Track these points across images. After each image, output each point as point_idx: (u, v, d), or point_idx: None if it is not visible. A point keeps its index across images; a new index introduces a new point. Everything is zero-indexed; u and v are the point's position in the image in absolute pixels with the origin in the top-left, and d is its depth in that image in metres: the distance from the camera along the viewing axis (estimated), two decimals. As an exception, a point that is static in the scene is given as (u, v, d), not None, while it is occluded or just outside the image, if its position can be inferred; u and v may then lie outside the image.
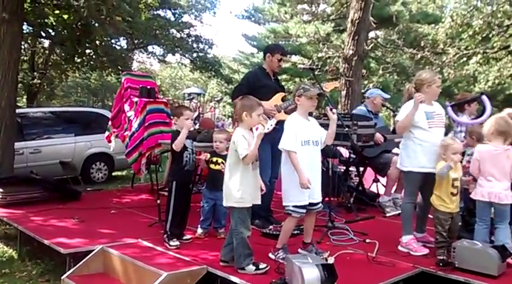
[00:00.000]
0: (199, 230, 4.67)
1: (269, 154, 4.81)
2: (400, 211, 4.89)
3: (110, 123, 7.43)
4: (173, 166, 4.46)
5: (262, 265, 3.63)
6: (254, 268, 3.61)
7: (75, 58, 15.90)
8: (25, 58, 16.59)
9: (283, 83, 5.72)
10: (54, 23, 13.47)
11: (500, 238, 4.02)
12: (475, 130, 4.71)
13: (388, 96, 6.61)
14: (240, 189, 3.68)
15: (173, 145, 4.26)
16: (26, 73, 16.52)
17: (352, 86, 11.14)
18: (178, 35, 19.17)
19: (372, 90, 6.76)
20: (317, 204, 3.97)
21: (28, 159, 8.51)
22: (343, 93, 11.26)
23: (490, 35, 16.82)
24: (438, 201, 4.05)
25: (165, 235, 4.32)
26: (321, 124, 4.20)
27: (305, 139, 3.89)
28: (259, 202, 3.82)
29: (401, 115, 4.27)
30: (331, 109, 4.01)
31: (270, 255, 3.95)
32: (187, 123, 4.29)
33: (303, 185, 3.72)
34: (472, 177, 4.15)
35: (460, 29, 16.78)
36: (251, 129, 3.76)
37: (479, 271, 3.61)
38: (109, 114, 8.11)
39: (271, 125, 4.84)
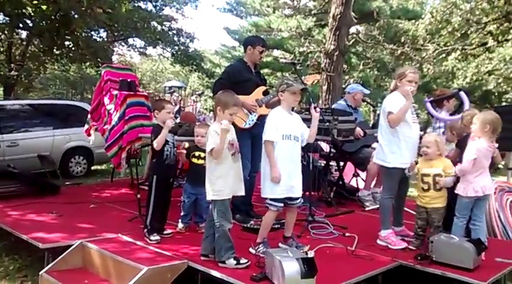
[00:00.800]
0: (180, 225, 4.66)
1: (249, 149, 4.82)
2: (378, 205, 4.95)
3: (89, 116, 7.35)
4: (154, 161, 4.43)
5: (243, 260, 3.65)
6: (235, 262, 3.62)
7: (54, 50, 15.61)
8: (2, 49, 16.26)
9: (265, 77, 5.70)
10: (32, 14, 13.20)
11: (482, 237, 4.08)
12: (455, 126, 4.76)
13: (368, 92, 6.67)
14: (218, 181, 3.71)
15: (154, 144, 4.22)
16: (3, 65, 16.19)
17: (333, 81, 11.21)
18: (159, 28, 18.95)
19: (353, 86, 6.81)
20: (296, 198, 4.00)
21: (5, 153, 8.35)
22: (324, 88, 11.32)
23: (469, 32, 17.09)
24: (418, 195, 4.23)
25: (145, 230, 4.30)
26: (303, 119, 4.22)
27: (286, 134, 3.92)
28: (242, 193, 3.85)
29: (393, 106, 4.25)
30: (314, 108, 4.03)
31: (251, 249, 3.96)
32: (168, 123, 4.24)
33: (273, 178, 3.78)
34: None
35: (440, 26, 17.00)
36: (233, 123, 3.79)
37: (456, 264, 3.68)
38: (88, 107, 8.02)
39: (253, 120, 4.88)
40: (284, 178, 3.85)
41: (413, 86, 4.29)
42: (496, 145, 4.07)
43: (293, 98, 3.98)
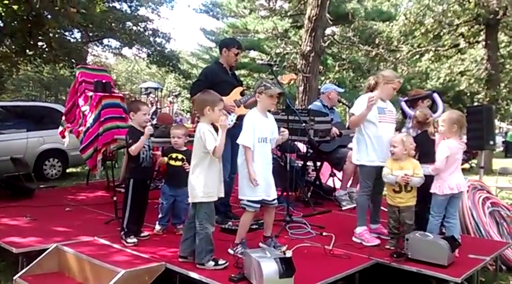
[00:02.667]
0: (158, 227, 4.62)
1: (229, 150, 4.82)
2: (355, 205, 5.02)
3: (63, 118, 7.26)
4: (130, 163, 4.39)
5: (221, 261, 3.65)
6: (213, 263, 3.62)
7: (27, 50, 15.29)
8: (-28, 50, 15.86)
9: (242, 78, 5.72)
10: (2, 14, 12.93)
11: (455, 235, 4.18)
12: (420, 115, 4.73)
13: (342, 90, 6.73)
14: (207, 183, 3.69)
15: (129, 150, 4.17)
16: (-27, 66, 15.82)
17: (309, 82, 11.28)
18: (134, 28, 18.79)
19: (327, 85, 6.88)
20: (273, 200, 4.04)
21: (-23, 156, 8.18)
22: (301, 89, 11.39)
23: (441, 34, 17.45)
24: (388, 195, 4.31)
25: (122, 232, 4.25)
26: (278, 120, 4.26)
27: (262, 137, 3.96)
28: (222, 195, 3.86)
29: (356, 109, 4.39)
30: (282, 131, 4.11)
31: (229, 250, 3.97)
32: (147, 132, 4.17)
33: (252, 181, 3.81)
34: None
35: (413, 27, 17.31)
36: (213, 124, 3.77)
37: (431, 261, 3.76)
38: (62, 109, 7.91)
39: (232, 120, 4.88)
40: (261, 180, 3.88)
41: (394, 93, 4.51)
42: (465, 140, 4.24)
43: (270, 101, 4.01)
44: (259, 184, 3.85)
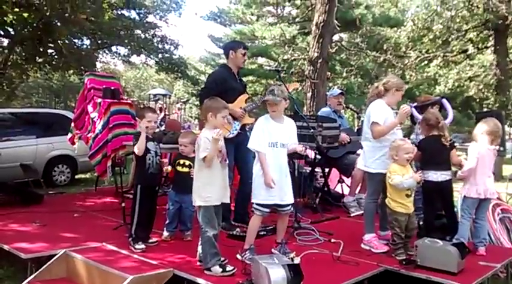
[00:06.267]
0: (165, 233, 4.63)
1: (232, 158, 4.82)
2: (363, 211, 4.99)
3: (72, 124, 7.28)
4: (137, 170, 4.42)
5: (229, 268, 3.64)
6: (221, 270, 3.61)
7: (36, 58, 15.47)
8: (-17, 58, 16.03)
9: (249, 84, 5.71)
10: (13, 22, 13.07)
11: (482, 234, 4.36)
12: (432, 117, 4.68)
13: (337, 92, 6.69)
14: (206, 188, 3.73)
15: (134, 149, 4.21)
16: (-15, 73, 15.96)
17: (317, 88, 11.26)
18: (143, 36, 18.92)
19: (333, 90, 6.92)
20: (286, 205, 4.03)
21: (-13, 162, 8.23)
22: (309, 95, 11.38)
23: (450, 39, 17.37)
24: (395, 203, 4.14)
25: (130, 238, 4.26)
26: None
27: (273, 141, 3.97)
28: (228, 201, 3.87)
29: (378, 117, 4.30)
30: (304, 147, 4.10)
31: (238, 256, 3.96)
32: (142, 125, 4.24)
33: (267, 185, 3.84)
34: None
35: (421, 33, 17.25)
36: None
37: (440, 268, 3.73)
38: (72, 116, 7.94)
39: (236, 129, 4.88)
40: (273, 184, 3.88)
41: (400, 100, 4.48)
42: (497, 147, 4.38)
43: (269, 108, 4.05)
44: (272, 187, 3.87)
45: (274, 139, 3.97)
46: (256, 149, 3.95)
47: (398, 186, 4.06)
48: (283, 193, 3.99)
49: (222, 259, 3.72)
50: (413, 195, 4.18)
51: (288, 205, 4.04)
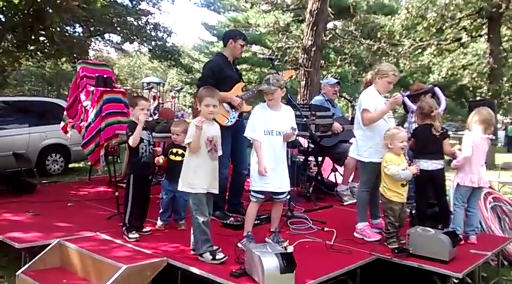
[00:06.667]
0: (159, 222, 4.63)
1: (229, 147, 4.83)
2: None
3: (65, 113, 7.26)
4: (130, 159, 4.41)
5: (219, 256, 3.65)
6: (211, 257, 3.63)
7: (28, 45, 15.30)
8: (-27, 45, 15.85)
9: (243, 73, 5.69)
10: (4, 9, 12.91)
11: (474, 223, 4.42)
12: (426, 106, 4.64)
13: (334, 82, 6.67)
14: (190, 174, 3.76)
15: (129, 141, 4.20)
16: (-25, 61, 15.82)
17: (311, 76, 11.26)
18: (135, 23, 18.73)
19: (324, 80, 6.92)
20: (281, 193, 4.07)
21: (-21, 151, 8.19)
22: (302, 83, 11.37)
23: (444, 27, 17.37)
24: (390, 192, 4.14)
25: (124, 228, 4.26)
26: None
27: (268, 129, 3.99)
28: (216, 191, 3.86)
29: (369, 105, 4.32)
30: (293, 129, 4.06)
31: (239, 244, 3.99)
32: (141, 118, 4.22)
33: (259, 172, 3.90)
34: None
35: (415, 21, 17.24)
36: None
37: (432, 257, 3.76)
38: (64, 104, 7.91)
39: (234, 117, 4.89)
40: (268, 172, 3.93)
41: (391, 87, 4.45)
42: (492, 136, 4.43)
43: (266, 97, 4.07)
44: (268, 175, 3.92)
45: (270, 127, 3.99)
46: (251, 137, 4.00)
47: (395, 176, 4.06)
48: (279, 181, 4.02)
49: (216, 247, 3.72)
50: (408, 185, 4.20)
51: (284, 193, 4.08)
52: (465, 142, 4.38)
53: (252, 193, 4.05)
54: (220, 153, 3.93)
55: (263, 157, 3.94)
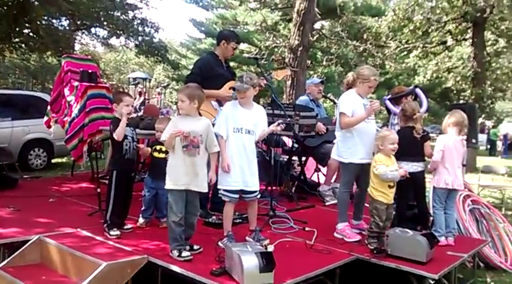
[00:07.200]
0: (141, 220, 4.63)
1: None
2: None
3: (49, 107, 7.20)
4: (113, 155, 4.40)
5: (184, 253, 3.68)
6: (177, 254, 3.67)
7: (12, 37, 15.11)
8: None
9: (234, 71, 5.67)
10: (-13, 0, 12.75)
11: (450, 224, 4.48)
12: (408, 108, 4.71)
13: (318, 81, 6.75)
14: (169, 171, 3.80)
15: (114, 135, 4.19)
16: (-43, 53, 15.58)
17: (297, 76, 11.26)
18: (122, 18, 18.59)
19: (308, 80, 6.99)
20: (252, 192, 4.09)
21: (-40, 144, 8.09)
22: (288, 83, 11.37)
23: (429, 30, 17.55)
24: (377, 192, 4.18)
25: (105, 225, 4.25)
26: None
27: (237, 127, 4.04)
28: (196, 189, 3.81)
29: (346, 108, 4.38)
30: (279, 124, 4.13)
31: (219, 243, 4.00)
32: (124, 111, 4.23)
33: (222, 168, 3.96)
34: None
35: (402, 23, 17.39)
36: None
37: (410, 258, 3.82)
38: (49, 98, 7.84)
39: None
40: (236, 170, 3.98)
41: (371, 91, 4.58)
42: (463, 137, 4.52)
43: (238, 96, 4.12)
44: (233, 172, 3.96)
45: (239, 124, 4.03)
46: (217, 132, 3.99)
47: (382, 176, 4.10)
48: (247, 180, 4.04)
49: (197, 247, 3.74)
50: (395, 187, 4.24)
51: (253, 191, 4.10)
52: (436, 146, 4.49)
53: (223, 192, 4.04)
54: (216, 149, 3.90)
55: (230, 154, 3.98)
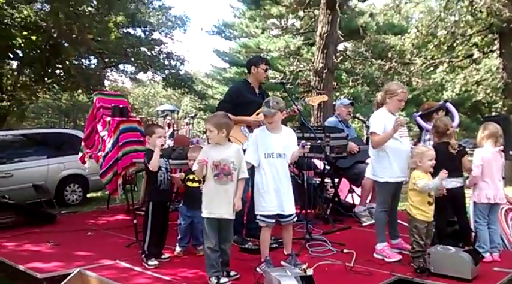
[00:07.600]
0: (178, 249, 4.65)
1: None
2: (374, 220, 4.98)
3: (82, 143, 7.38)
4: (149, 186, 4.46)
5: (222, 280, 3.70)
6: (216, 281, 3.67)
7: (45, 79, 15.68)
8: (-7, 80, 16.28)
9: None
10: (22, 44, 13.29)
11: (495, 239, 4.34)
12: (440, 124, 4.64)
13: (347, 102, 6.70)
14: (204, 200, 3.85)
15: (149, 166, 4.26)
16: (-5, 96, 16.19)
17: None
18: (149, 53, 19.10)
19: (343, 100, 6.94)
20: (288, 216, 4.06)
21: (0, 184, 8.31)
22: (315, 105, 11.40)
23: (455, 44, 17.33)
24: (416, 210, 4.10)
25: (143, 255, 4.29)
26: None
27: (268, 152, 4.03)
28: (228, 217, 3.83)
29: (376, 127, 4.36)
30: (303, 146, 4.13)
31: (257, 269, 3.98)
32: (157, 142, 4.30)
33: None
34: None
35: (426, 39, 17.24)
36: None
37: (454, 275, 3.71)
38: (81, 135, 8.04)
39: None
40: (271, 195, 3.96)
41: (402, 105, 4.47)
42: (501, 148, 4.43)
43: (266, 120, 4.16)
44: (269, 197, 3.96)
45: (270, 149, 4.04)
46: (248, 161, 4.01)
47: (424, 188, 4.01)
48: (283, 204, 4.02)
49: (234, 273, 3.73)
50: (434, 204, 4.14)
51: (290, 215, 4.07)
52: (474, 161, 4.40)
53: (260, 217, 4.03)
54: (243, 175, 3.89)
55: (265, 180, 4.00)
